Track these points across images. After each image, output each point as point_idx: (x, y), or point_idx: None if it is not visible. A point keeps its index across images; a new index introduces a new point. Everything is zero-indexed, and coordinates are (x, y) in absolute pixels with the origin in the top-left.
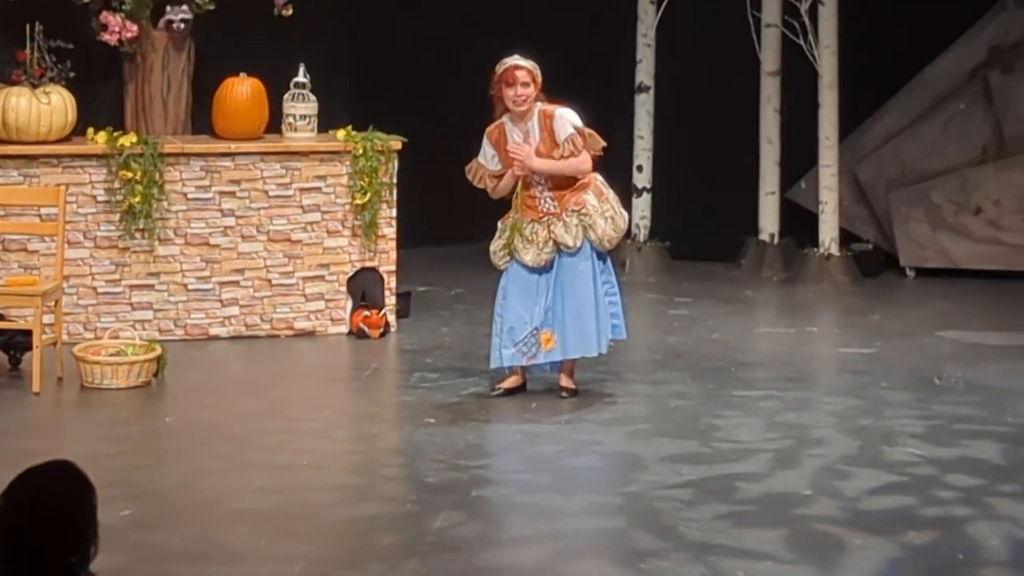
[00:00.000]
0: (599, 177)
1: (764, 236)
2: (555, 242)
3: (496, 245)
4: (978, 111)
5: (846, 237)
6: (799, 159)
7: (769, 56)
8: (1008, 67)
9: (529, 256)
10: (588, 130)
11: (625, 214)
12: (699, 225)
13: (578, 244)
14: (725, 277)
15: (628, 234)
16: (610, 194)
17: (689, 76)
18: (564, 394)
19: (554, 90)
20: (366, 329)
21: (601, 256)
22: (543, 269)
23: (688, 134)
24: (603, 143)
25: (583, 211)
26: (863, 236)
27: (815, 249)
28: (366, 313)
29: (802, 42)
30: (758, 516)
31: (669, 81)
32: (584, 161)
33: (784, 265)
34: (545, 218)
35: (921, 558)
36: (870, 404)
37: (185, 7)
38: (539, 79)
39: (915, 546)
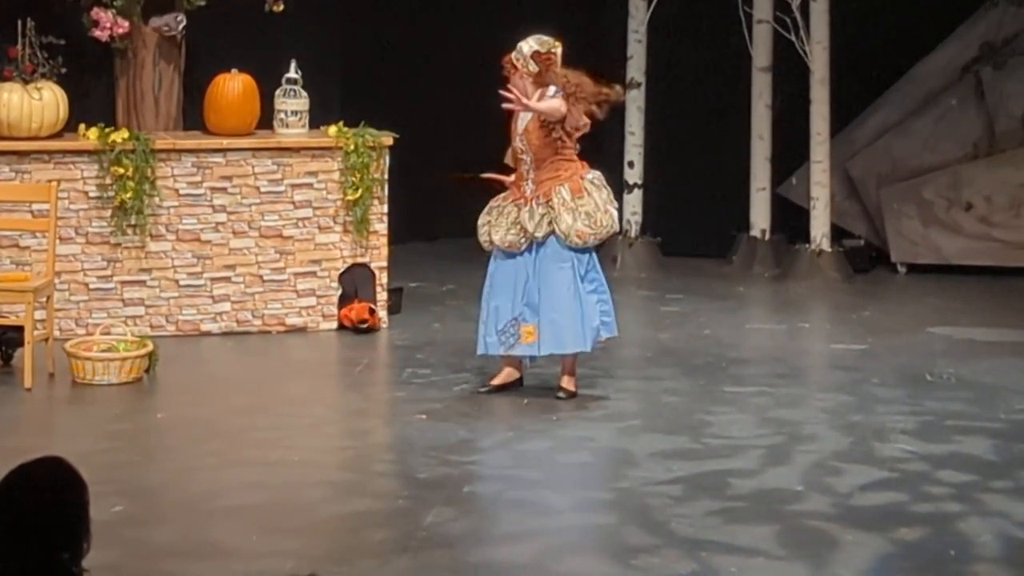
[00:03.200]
0: (590, 174)
1: (755, 232)
2: (522, 226)
3: (482, 219)
4: (970, 107)
5: (837, 233)
6: (790, 155)
7: (761, 52)
8: (1000, 63)
9: (498, 236)
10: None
11: (613, 213)
12: (690, 221)
13: (538, 233)
14: (716, 273)
15: (620, 231)
16: (598, 194)
17: (680, 72)
18: (562, 395)
19: None
20: (364, 317)
21: (585, 251)
22: (523, 258)
23: (679, 130)
24: (585, 120)
25: (550, 203)
26: (854, 232)
27: (806, 245)
28: (372, 307)
29: (794, 38)
30: (750, 512)
31: (660, 77)
32: (559, 105)
33: (775, 261)
34: (521, 200)
35: (912, 554)
36: (861, 400)
37: (180, 16)
38: (524, 65)
39: (906, 542)
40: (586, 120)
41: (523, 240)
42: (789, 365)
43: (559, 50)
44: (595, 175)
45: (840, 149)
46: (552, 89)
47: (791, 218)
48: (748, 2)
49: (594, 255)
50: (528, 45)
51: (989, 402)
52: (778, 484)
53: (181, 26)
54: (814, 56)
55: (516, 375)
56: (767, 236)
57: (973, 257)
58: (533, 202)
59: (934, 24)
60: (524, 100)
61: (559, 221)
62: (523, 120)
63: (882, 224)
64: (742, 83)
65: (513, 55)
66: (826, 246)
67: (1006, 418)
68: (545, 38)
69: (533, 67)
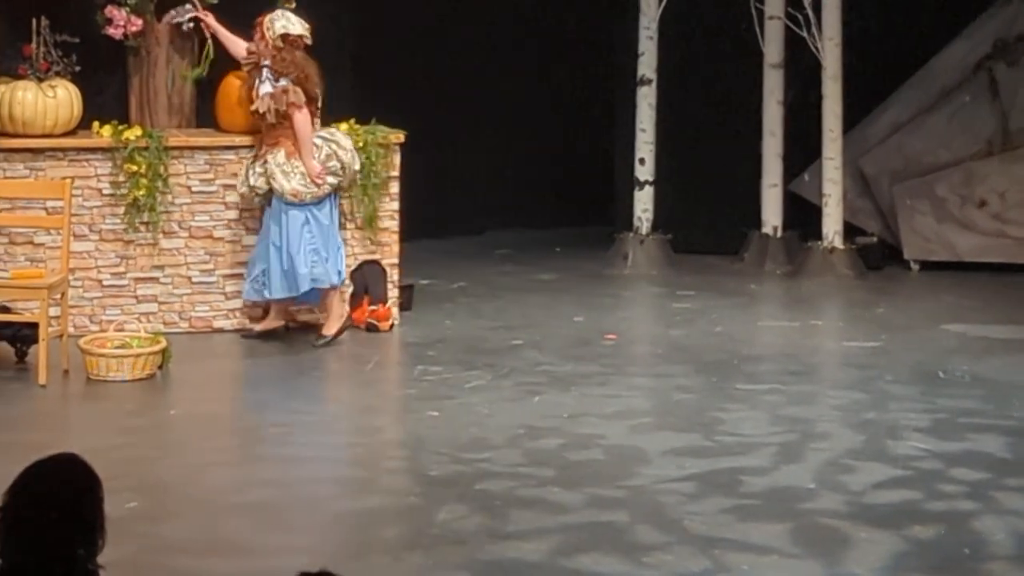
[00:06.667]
0: (309, 137)
1: (767, 229)
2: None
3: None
4: (983, 104)
5: (850, 230)
6: (802, 152)
7: (772, 48)
8: (1013, 60)
9: (241, 188)
10: (285, 87)
11: (329, 179)
12: (702, 218)
13: (256, 187)
14: (728, 270)
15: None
16: (308, 159)
17: (692, 69)
18: (318, 341)
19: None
20: (376, 323)
21: (316, 205)
22: (267, 212)
23: (690, 127)
24: (302, 98)
25: (265, 162)
26: (867, 229)
27: (819, 242)
28: (373, 307)
29: (805, 34)
30: (763, 510)
31: (671, 74)
32: (296, 123)
33: (788, 258)
34: (251, 158)
35: (926, 552)
36: (875, 398)
37: (189, 6)
38: (272, 37)
39: (920, 540)
40: (295, 102)
41: (251, 195)
42: (802, 362)
43: (308, 37)
44: (310, 138)
45: (853, 146)
46: (284, 81)
47: (803, 215)
48: None
49: (318, 210)
50: (281, 24)
51: (1003, 399)
52: (791, 482)
53: (187, 16)
54: (826, 52)
55: (282, 322)
56: (779, 233)
57: (986, 254)
58: (258, 162)
59: (947, 20)
60: (217, 27)
61: (274, 179)
62: (263, 87)
63: (895, 221)
64: (754, 79)
65: (266, 24)
66: (839, 243)
67: (1020, 415)
68: (299, 21)
69: (280, 44)
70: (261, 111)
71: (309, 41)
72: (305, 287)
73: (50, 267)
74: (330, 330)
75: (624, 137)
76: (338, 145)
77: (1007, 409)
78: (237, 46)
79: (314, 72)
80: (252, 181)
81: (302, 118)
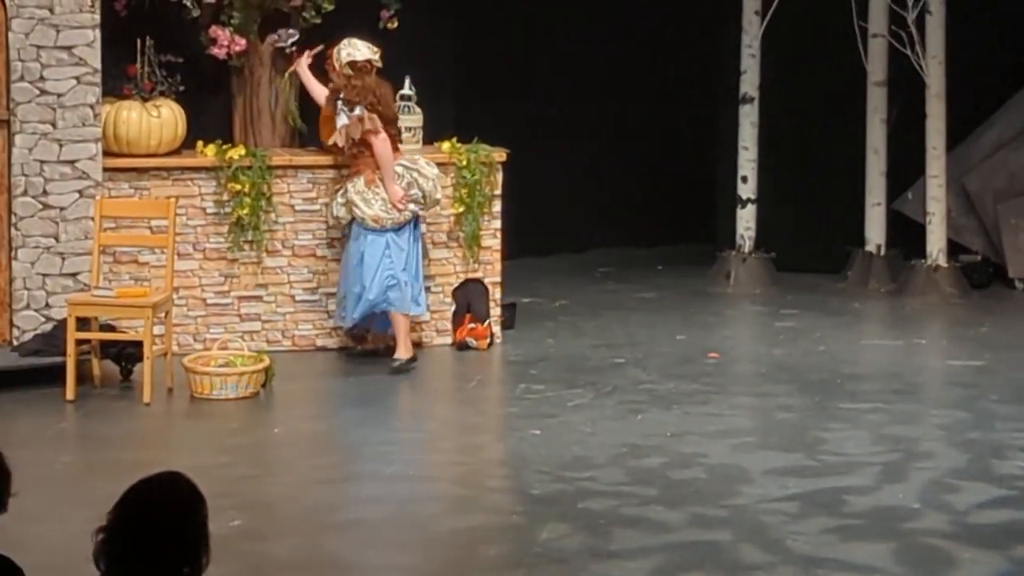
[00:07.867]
0: (391, 160)
1: (871, 247)
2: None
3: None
4: None
5: (954, 248)
6: (906, 170)
7: (876, 66)
8: None
9: (330, 219)
10: (360, 115)
11: (410, 206)
12: (805, 236)
13: (340, 217)
14: (831, 289)
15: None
16: (390, 184)
17: (794, 86)
18: (393, 363)
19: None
20: (473, 341)
21: (396, 232)
22: (351, 239)
23: (793, 145)
24: (378, 123)
25: (345, 191)
26: (971, 247)
27: (922, 261)
28: (471, 325)
29: (909, 52)
30: (866, 530)
31: (774, 92)
32: (376, 149)
33: (891, 277)
34: (338, 185)
35: None
36: (979, 417)
37: (292, 30)
38: (341, 67)
39: None
40: (371, 129)
41: (337, 225)
42: (905, 381)
43: (377, 60)
44: (390, 164)
45: (956, 164)
46: (358, 109)
47: (907, 233)
48: (863, 16)
49: (397, 236)
50: (347, 52)
51: None
52: (895, 501)
53: (291, 40)
54: (930, 70)
55: (382, 343)
56: (882, 251)
57: None
58: (340, 192)
59: None
60: (304, 72)
61: (354, 207)
62: (339, 119)
63: (999, 239)
64: (857, 97)
65: (334, 56)
66: (942, 261)
67: None
68: (366, 46)
69: (348, 71)
70: (340, 144)
71: (379, 64)
72: (375, 311)
73: (154, 286)
74: (401, 353)
75: (726, 155)
76: (420, 173)
77: None
78: (318, 93)
79: (388, 93)
80: (335, 211)
81: (380, 143)
